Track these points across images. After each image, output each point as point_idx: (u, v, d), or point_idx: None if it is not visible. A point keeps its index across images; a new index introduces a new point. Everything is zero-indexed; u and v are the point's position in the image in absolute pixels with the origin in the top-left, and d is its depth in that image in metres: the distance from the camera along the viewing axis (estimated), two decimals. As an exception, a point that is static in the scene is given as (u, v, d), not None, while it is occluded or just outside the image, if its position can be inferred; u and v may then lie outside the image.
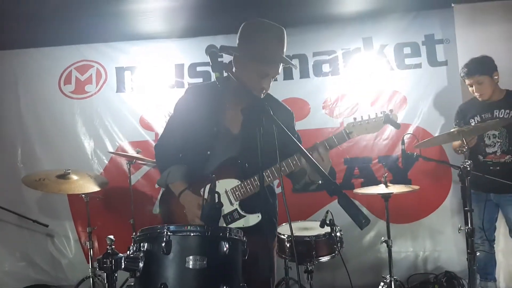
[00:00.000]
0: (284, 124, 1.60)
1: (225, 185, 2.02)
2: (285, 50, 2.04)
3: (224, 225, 2.00)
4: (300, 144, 1.70)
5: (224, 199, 1.99)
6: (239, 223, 2.01)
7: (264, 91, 2.04)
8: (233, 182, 2.02)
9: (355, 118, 1.99)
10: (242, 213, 2.01)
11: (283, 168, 1.94)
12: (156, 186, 3.95)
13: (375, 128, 1.96)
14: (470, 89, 3.30)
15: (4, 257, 4.03)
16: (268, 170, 1.97)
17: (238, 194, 2.01)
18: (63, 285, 3.90)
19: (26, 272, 4.01)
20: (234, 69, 2.04)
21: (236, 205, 2.01)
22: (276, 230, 2.28)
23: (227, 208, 2.01)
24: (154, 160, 3.71)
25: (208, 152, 2.07)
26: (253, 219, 1.99)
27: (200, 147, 2.09)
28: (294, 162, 1.95)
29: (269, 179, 1.98)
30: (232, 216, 2.01)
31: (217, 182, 1.96)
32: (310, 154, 1.68)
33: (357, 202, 3.89)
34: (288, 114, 2.24)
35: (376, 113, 1.96)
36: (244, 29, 2.05)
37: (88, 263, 3.48)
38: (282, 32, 2.02)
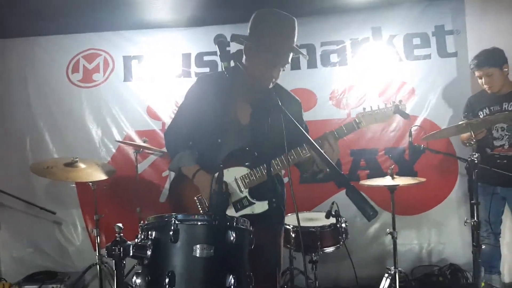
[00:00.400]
0: (293, 113, 1.61)
1: (235, 173, 2.05)
2: (295, 39, 2.05)
3: (234, 212, 2.03)
4: (308, 134, 1.70)
5: (233, 187, 2.04)
6: (248, 210, 2.03)
7: (273, 80, 2.04)
8: (243, 170, 2.04)
9: (364, 108, 2.01)
10: (251, 200, 2.03)
11: (292, 157, 1.96)
12: (163, 174, 4.00)
13: (385, 118, 1.98)
14: (479, 81, 3.27)
15: (11, 243, 4.08)
16: (277, 158, 1.99)
17: (247, 181, 2.03)
18: (70, 272, 3.93)
19: (33, 259, 4.05)
20: (244, 58, 2.05)
21: (245, 193, 2.03)
22: (283, 218, 2.29)
23: (236, 196, 2.04)
24: (161, 149, 3.79)
25: (219, 140, 2.09)
26: (262, 206, 2.01)
27: (211, 135, 2.12)
28: (304, 151, 1.96)
29: (278, 167, 2.00)
30: (241, 203, 2.03)
31: (226, 170, 2.01)
32: (319, 143, 1.69)
33: (363, 194, 3.89)
34: (296, 103, 2.26)
35: (386, 104, 1.98)
36: (256, 18, 2.06)
37: (95, 250, 3.51)
38: (293, 22, 2.03)
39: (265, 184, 1.98)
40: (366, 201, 1.32)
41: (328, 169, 1.55)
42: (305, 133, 1.57)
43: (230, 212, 2.02)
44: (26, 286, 3.66)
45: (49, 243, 4.09)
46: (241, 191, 2.04)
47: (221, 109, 2.09)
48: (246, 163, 2.06)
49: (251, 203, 2.04)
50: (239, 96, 2.11)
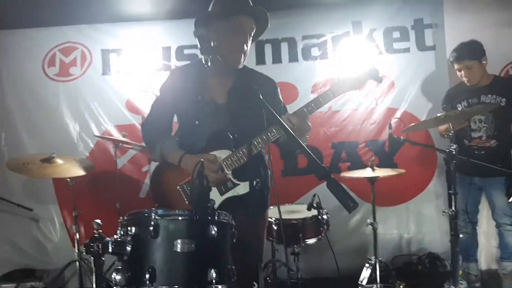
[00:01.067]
0: (267, 93, 1.61)
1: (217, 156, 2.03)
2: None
3: (219, 195, 2.02)
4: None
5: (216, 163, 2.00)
6: (232, 192, 2.02)
7: (244, 54, 2.04)
8: (225, 153, 2.03)
9: (338, 77, 2.00)
10: (235, 181, 2.02)
11: (272, 133, 1.94)
12: (143, 169, 3.95)
13: (359, 84, 1.98)
14: (458, 73, 3.32)
15: (-13, 241, 3.98)
16: (258, 137, 1.96)
17: (230, 163, 2.01)
18: (48, 269, 3.86)
19: (10, 256, 3.95)
20: (214, 42, 1.99)
21: (229, 175, 2.01)
22: (267, 207, 2.28)
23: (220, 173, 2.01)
24: (141, 144, 3.73)
25: (197, 122, 2.08)
26: (245, 186, 2.00)
27: (188, 119, 2.12)
28: (273, 133, 1.95)
29: (260, 145, 1.98)
30: (225, 186, 2.02)
31: (209, 154, 2.00)
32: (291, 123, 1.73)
33: (344, 186, 3.92)
34: (270, 83, 2.25)
35: (358, 70, 1.99)
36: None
37: (74, 247, 3.46)
38: None
39: (249, 165, 1.97)
40: (346, 193, 1.33)
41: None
42: (280, 118, 1.57)
43: (215, 196, 2.00)
44: (3, 285, 3.58)
45: (26, 240, 4.00)
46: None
47: (196, 92, 2.09)
48: (227, 145, 2.04)
49: (235, 185, 2.02)
50: (213, 79, 2.10)
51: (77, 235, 3.37)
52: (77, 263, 3.37)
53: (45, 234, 4.01)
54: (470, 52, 3.21)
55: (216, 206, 1.90)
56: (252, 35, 2.09)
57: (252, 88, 1.61)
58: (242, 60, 2.06)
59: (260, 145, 1.98)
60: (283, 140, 2.04)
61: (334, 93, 1.97)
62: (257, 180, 2.05)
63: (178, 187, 2.05)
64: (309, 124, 1.99)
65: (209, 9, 2.10)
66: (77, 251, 3.39)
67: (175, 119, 2.27)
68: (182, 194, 2.04)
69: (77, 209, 3.40)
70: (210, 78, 2.10)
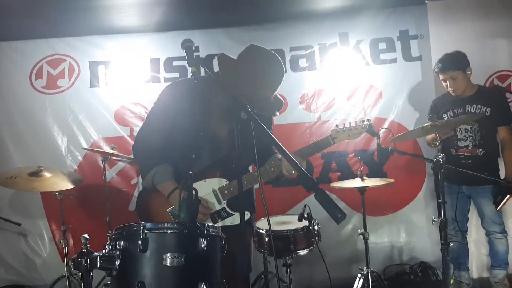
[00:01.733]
0: (265, 121, 1.62)
1: (213, 184, 2.04)
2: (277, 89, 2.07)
3: (211, 223, 2.01)
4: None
5: (211, 198, 2.03)
6: (227, 221, 2.03)
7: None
8: (221, 182, 2.04)
9: (337, 125, 2.19)
10: (230, 211, 2.04)
11: (262, 171, 2.02)
12: (132, 182, 3.92)
13: (356, 135, 2.19)
14: (443, 84, 3.37)
15: (-26, 258, 3.90)
16: (248, 174, 2.02)
17: (226, 192, 2.02)
18: (37, 285, 3.80)
19: (-2, 272, 3.89)
20: (219, 70, 2.00)
21: (224, 204, 2.03)
22: (253, 220, 2.29)
23: (215, 207, 2.03)
24: (130, 156, 3.71)
25: (193, 156, 2.05)
26: (238, 218, 1.98)
27: (185, 150, 2.06)
28: (272, 169, 2.05)
29: (250, 182, 2.04)
30: (219, 215, 2.02)
31: (203, 181, 2.01)
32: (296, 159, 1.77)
33: (334, 196, 3.93)
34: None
35: (356, 122, 2.20)
36: (250, 53, 2.00)
37: (64, 262, 3.40)
38: (281, 75, 2.03)
39: (244, 194, 1.91)
40: (334, 204, 1.34)
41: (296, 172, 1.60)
42: (277, 141, 1.56)
43: (209, 223, 2.02)
44: (-10, 303, 3.51)
45: (14, 255, 3.93)
46: (219, 203, 2.03)
47: (197, 121, 2.03)
48: (224, 174, 2.05)
49: (229, 214, 2.03)
50: (214, 107, 2.06)
51: (66, 250, 3.31)
52: (67, 278, 3.31)
53: (33, 249, 3.95)
54: (455, 62, 3.26)
55: None
56: None
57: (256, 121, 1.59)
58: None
59: (246, 183, 2.02)
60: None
61: (334, 140, 2.16)
62: (248, 212, 2.08)
63: (168, 211, 2.03)
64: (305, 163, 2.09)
65: (240, 56, 2.00)
66: (66, 266, 3.34)
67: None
68: (172, 219, 2.03)
69: (66, 223, 3.35)
70: (211, 104, 2.05)
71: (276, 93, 2.06)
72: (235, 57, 2.00)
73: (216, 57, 1.99)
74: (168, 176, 2.02)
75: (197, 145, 2.05)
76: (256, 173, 2.00)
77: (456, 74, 3.25)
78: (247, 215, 2.03)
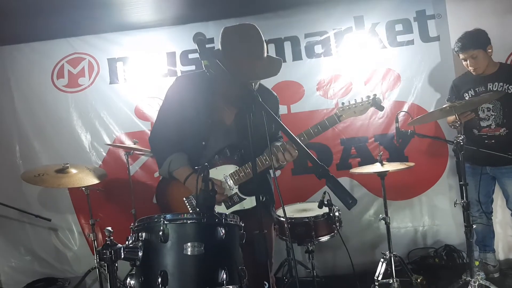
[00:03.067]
0: (271, 109, 1.63)
1: (224, 171, 2.08)
2: (265, 53, 2.08)
3: (225, 209, 2.06)
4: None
5: (223, 185, 2.06)
6: (239, 206, 2.07)
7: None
8: (231, 168, 2.07)
9: (343, 103, 2.19)
10: (242, 196, 2.07)
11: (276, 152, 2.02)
12: (155, 175, 4.00)
13: (363, 111, 2.16)
14: (464, 63, 3.29)
15: (9, 253, 4.08)
16: (264, 155, 2.02)
17: (237, 178, 2.06)
18: (69, 277, 3.95)
19: (32, 266, 4.06)
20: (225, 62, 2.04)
21: (235, 189, 2.07)
22: (272, 210, 2.31)
23: (226, 193, 2.06)
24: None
25: (203, 143, 2.10)
26: (251, 201, 2.03)
27: (195, 138, 2.11)
28: (280, 151, 2.04)
29: (266, 162, 2.03)
30: (232, 200, 2.07)
31: (215, 168, 2.05)
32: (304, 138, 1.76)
33: (355, 182, 3.93)
34: (274, 100, 2.30)
35: (362, 98, 2.18)
36: (224, 36, 2.09)
37: (93, 254, 3.52)
38: (258, 32, 2.05)
39: (254, 180, 1.98)
40: (345, 191, 1.35)
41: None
42: (285, 127, 1.58)
43: (221, 209, 2.06)
44: (27, 295, 3.68)
45: (46, 250, 4.09)
46: (231, 188, 2.07)
47: (204, 110, 2.09)
48: (234, 160, 2.08)
49: (241, 199, 2.07)
50: (222, 96, 2.11)
51: (95, 243, 3.42)
52: (97, 270, 3.42)
53: (64, 243, 4.10)
54: (475, 41, 3.17)
55: None
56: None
57: (249, 89, 1.61)
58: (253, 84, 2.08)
59: (266, 162, 2.04)
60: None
61: (339, 118, 2.15)
62: (263, 195, 2.10)
63: (184, 199, 2.08)
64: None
65: (220, 45, 2.08)
66: (96, 258, 3.45)
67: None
68: (188, 207, 2.08)
69: (93, 217, 3.45)
70: (219, 93, 2.10)
71: (267, 54, 2.10)
72: None
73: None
74: (183, 163, 2.09)
75: (206, 132, 2.09)
76: (264, 157, 2.03)
77: (476, 53, 3.17)
78: (254, 201, 2.04)
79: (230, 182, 2.06)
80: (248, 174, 2.03)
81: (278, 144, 2.12)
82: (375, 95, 2.17)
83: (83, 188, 3.41)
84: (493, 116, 3.24)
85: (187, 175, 2.06)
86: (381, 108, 2.19)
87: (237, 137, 2.10)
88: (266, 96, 2.19)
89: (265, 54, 2.08)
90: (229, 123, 2.13)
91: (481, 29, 3.24)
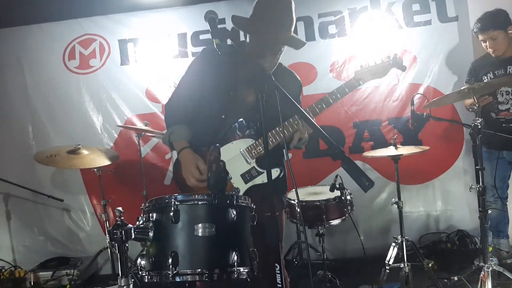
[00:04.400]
0: (291, 92, 1.60)
1: (240, 146, 2.06)
2: (292, 28, 2.02)
3: (243, 183, 2.03)
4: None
5: (239, 159, 2.04)
6: (259, 180, 2.04)
7: (267, 64, 2.01)
8: (247, 142, 2.05)
9: (361, 65, 2.04)
10: (259, 169, 2.04)
11: (292, 125, 1.99)
12: (167, 157, 4.02)
13: (383, 72, 2.02)
14: (483, 44, 3.19)
15: (23, 232, 4.15)
16: (273, 130, 1.98)
17: (254, 152, 2.04)
18: (82, 256, 4.01)
19: (45, 246, 4.14)
20: (248, 40, 2.04)
21: (253, 163, 2.04)
22: (283, 196, 2.29)
23: (244, 167, 2.04)
24: (163, 132, 3.76)
25: (223, 116, 2.07)
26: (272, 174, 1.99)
27: (215, 110, 2.09)
28: (296, 121, 1.99)
29: (278, 136, 2.01)
30: (250, 174, 2.04)
31: (231, 143, 2.04)
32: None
33: (367, 166, 3.88)
34: (296, 84, 2.24)
35: (382, 58, 2.02)
36: (258, 2, 2.03)
37: (105, 234, 3.56)
38: (288, 7, 1.99)
39: (273, 153, 1.95)
40: (362, 172, 1.31)
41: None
42: (300, 106, 1.54)
43: (240, 184, 2.03)
44: (40, 273, 3.74)
45: (59, 230, 4.16)
46: (248, 162, 2.04)
47: (227, 83, 2.06)
48: (250, 135, 2.05)
49: (259, 173, 2.04)
50: (241, 74, 2.07)
51: (107, 223, 3.46)
52: (109, 250, 3.47)
53: (77, 223, 4.16)
54: (495, 21, 3.07)
55: (241, 194, 1.94)
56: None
57: (262, 68, 1.57)
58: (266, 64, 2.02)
59: (278, 137, 2.00)
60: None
61: (358, 81, 2.02)
62: (280, 168, 2.07)
63: (209, 174, 2.06)
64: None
65: (252, 9, 2.05)
66: (108, 238, 3.48)
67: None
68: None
69: (105, 198, 3.47)
70: (239, 71, 2.07)
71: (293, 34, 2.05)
72: None
73: (231, 18, 1.98)
74: (183, 136, 2.08)
75: (227, 106, 2.06)
76: (280, 129, 1.98)
77: (496, 34, 3.07)
78: (276, 171, 2.03)
79: (247, 157, 2.03)
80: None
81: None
82: (396, 54, 2.02)
83: (95, 169, 3.42)
84: (512, 100, 3.15)
85: (181, 147, 2.06)
86: (403, 68, 2.04)
87: (256, 113, 2.05)
88: (288, 78, 2.17)
89: (292, 30, 2.03)
90: (250, 101, 2.09)
91: (502, 9, 3.13)
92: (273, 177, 1.94)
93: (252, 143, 2.04)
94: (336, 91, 2.02)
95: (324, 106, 2.03)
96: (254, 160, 2.03)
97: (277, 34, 1.96)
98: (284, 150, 2.14)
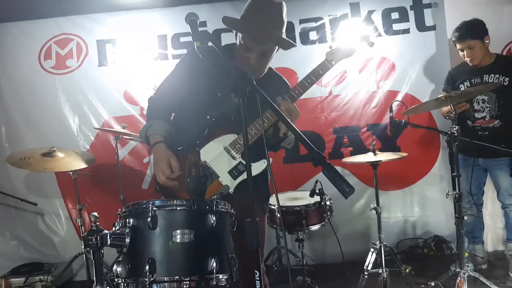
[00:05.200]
0: (278, 91, 1.55)
1: (223, 142, 2.01)
2: (282, 29, 2.01)
3: (232, 181, 1.99)
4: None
5: (224, 156, 1.99)
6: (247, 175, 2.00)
7: (252, 67, 1.98)
8: (230, 138, 2.00)
9: (330, 46, 2.08)
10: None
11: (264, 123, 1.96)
12: (145, 160, 3.95)
13: (352, 50, 2.08)
14: (460, 53, 3.26)
15: (-6, 237, 4.02)
16: (252, 125, 1.96)
17: (238, 147, 2.00)
18: (56, 262, 3.89)
19: (18, 251, 4.00)
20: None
21: (239, 158, 1.99)
22: (265, 203, 2.26)
23: (231, 164, 1.99)
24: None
25: (208, 117, 2.03)
26: (258, 166, 1.96)
27: (200, 109, 2.05)
28: (272, 116, 1.98)
29: (255, 130, 1.98)
30: (237, 170, 1.99)
31: (213, 141, 1.99)
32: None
33: (346, 171, 3.91)
34: (284, 85, 2.21)
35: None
36: (250, 3, 2.03)
37: (81, 239, 3.47)
38: (279, 8, 1.97)
39: (256, 145, 1.92)
40: (342, 178, 1.30)
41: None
42: (281, 112, 1.53)
43: (229, 181, 1.98)
44: (12, 279, 3.61)
45: (33, 234, 4.04)
46: (234, 158, 2.00)
47: (217, 82, 2.01)
48: (232, 130, 2.01)
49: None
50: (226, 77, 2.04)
51: (83, 228, 3.38)
52: (84, 255, 3.38)
53: (51, 228, 4.04)
54: (473, 31, 3.14)
55: (231, 191, 1.91)
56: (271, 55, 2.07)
57: (243, 72, 1.54)
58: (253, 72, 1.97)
59: (255, 130, 1.97)
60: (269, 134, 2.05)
61: (330, 62, 2.04)
62: (265, 160, 2.00)
63: (188, 179, 2.02)
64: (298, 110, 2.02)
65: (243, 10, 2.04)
66: (83, 244, 3.40)
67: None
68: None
69: (81, 202, 3.40)
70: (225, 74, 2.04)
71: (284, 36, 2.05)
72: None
73: (222, 20, 1.97)
74: (159, 131, 2.03)
75: (213, 106, 2.03)
76: (260, 122, 1.95)
77: (473, 43, 3.14)
78: (264, 163, 1.98)
79: (232, 152, 2.00)
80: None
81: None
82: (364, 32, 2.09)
83: (70, 173, 3.34)
84: (488, 108, 3.23)
85: (156, 141, 2.01)
86: (370, 43, 2.12)
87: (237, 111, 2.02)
88: (277, 82, 2.16)
89: (283, 32, 2.02)
90: (237, 102, 2.05)
91: (479, 19, 3.20)
92: (261, 169, 1.97)
93: (234, 138, 2.00)
94: (311, 74, 2.03)
95: (301, 90, 2.02)
96: (239, 155, 1.99)
97: (270, 32, 1.95)
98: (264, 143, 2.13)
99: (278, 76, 2.23)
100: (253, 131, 1.97)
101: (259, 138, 1.99)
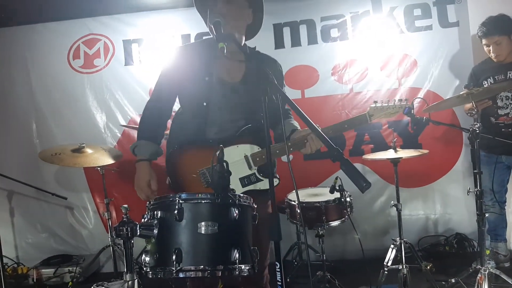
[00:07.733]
0: (277, 77, 1.65)
1: (245, 151, 2.08)
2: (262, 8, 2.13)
3: (240, 187, 2.06)
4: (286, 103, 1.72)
5: (242, 163, 2.07)
6: (252, 187, 2.07)
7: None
8: (253, 148, 2.07)
9: (375, 102, 2.13)
10: (259, 176, 2.07)
11: (289, 146, 2.03)
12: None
13: (393, 114, 2.14)
14: (486, 48, 3.22)
15: (26, 229, 4.20)
16: (279, 145, 2.03)
17: (258, 159, 2.06)
18: (84, 254, 4.05)
19: (48, 243, 4.18)
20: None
21: (254, 170, 2.06)
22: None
23: (245, 172, 2.07)
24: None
25: (204, 104, 2.08)
26: (266, 183, 2.02)
27: (196, 98, 2.10)
28: (305, 141, 2.03)
29: (279, 152, 2.04)
30: (249, 179, 2.07)
31: (236, 146, 2.06)
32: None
33: (367, 168, 3.92)
34: (277, 66, 2.26)
35: (395, 101, 2.13)
36: None
37: (108, 232, 3.60)
38: None
39: (268, 163, 1.96)
40: (359, 174, 1.35)
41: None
42: (301, 111, 1.57)
43: (236, 186, 2.04)
44: (43, 270, 3.79)
45: (62, 227, 4.21)
46: (250, 168, 2.07)
47: (202, 73, 2.07)
48: (257, 141, 2.08)
49: (258, 180, 2.07)
50: (221, 59, 2.08)
51: (110, 222, 3.49)
52: (111, 248, 3.50)
53: (80, 221, 4.20)
54: (500, 27, 3.10)
55: None
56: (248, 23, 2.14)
57: (265, 72, 1.59)
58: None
59: (279, 152, 2.04)
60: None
61: (370, 117, 2.11)
62: (277, 179, 2.11)
63: (198, 171, 2.10)
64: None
65: None
66: (110, 236, 3.53)
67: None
68: (202, 179, 2.10)
69: (108, 197, 3.51)
70: (217, 58, 2.09)
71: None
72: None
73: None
74: (146, 152, 2.14)
75: (206, 92, 2.08)
76: (289, 143, 2.04)
77: (500, 39, 3.11)
78: (276, 181, 2.07)
79: (252, 163, 2.07)
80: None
81: (295, 125, 2.14)
82: (406, 100, 2.14)
83: (98, 168, 3.46)
84: (511, 105, 3.19)
85: (140, 159, 2.13)
86: (412, 116, 2.32)
87: (245, 96, 2.08)
88: (268, 63, 2.20)
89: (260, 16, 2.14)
90: (233, 81, 2.11)
91: (506, 15, 3.16)
92: (265, 187, 2.03)
93: (257, 149, 2.07)
94: (346, 123, 2.09)
95: (332, 132, 2.07)
96: (256, 168, 2.06)
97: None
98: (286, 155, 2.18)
99: (266, 57, 2.25)
100: (277, 151, 2.03)
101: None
